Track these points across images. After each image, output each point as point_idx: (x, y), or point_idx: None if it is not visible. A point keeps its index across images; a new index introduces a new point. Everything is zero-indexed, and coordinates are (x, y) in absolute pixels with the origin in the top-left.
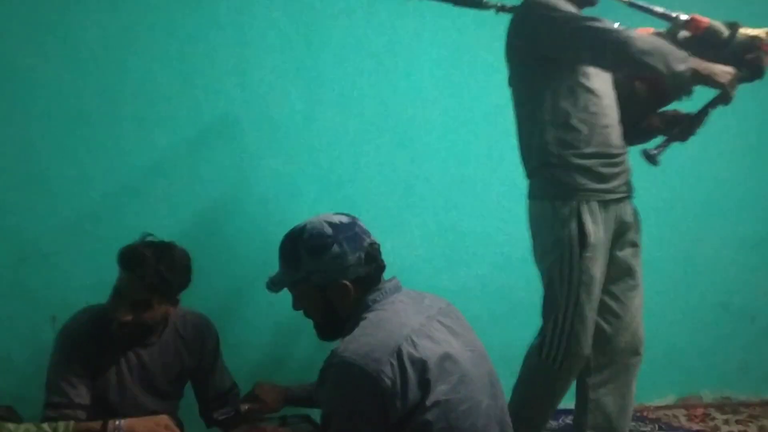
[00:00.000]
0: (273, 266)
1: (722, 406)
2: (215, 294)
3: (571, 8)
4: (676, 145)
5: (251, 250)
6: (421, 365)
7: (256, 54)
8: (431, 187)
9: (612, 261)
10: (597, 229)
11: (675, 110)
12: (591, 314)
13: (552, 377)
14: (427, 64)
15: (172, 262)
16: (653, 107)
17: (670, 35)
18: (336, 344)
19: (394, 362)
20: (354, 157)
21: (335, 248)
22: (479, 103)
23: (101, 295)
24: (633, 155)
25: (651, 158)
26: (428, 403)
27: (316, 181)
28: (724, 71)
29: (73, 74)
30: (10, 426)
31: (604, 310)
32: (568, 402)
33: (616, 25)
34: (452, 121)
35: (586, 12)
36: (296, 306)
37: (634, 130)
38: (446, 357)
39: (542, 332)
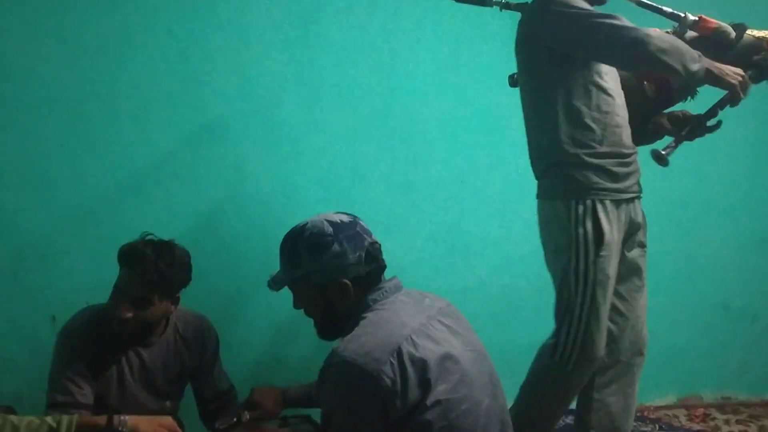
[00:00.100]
0: (273, 266)
1: (723, 406)
2: (215, 294)
3: (586, 5)
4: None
5: (251, 250)
6: (421, 365)
7: (256, 54)
8: (431, 187)
9: (621, 261)
10: (611, 228)
11: (683, 111)
12: (605, 315)
13: (564, 379)
14: (427, 63)
15: (172, 259)
16: (660, 108)
17: (677, 35)
18: (336, 344)
19: (395, 362)
20: (354, 157)
21: (335, 247)
22: (479, 103)
23: (101, 295)
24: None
25: (660, 159)
26: (428, 402)
27: (316, 181)
28: (735, 72)
29: (73, 74)
30: (14, 418)
31: (611, 310)
32: None
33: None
34: (452, 121)
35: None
36: (296, 305)
37: (641, 131)
38: (447, 357)
39: (556, 333)
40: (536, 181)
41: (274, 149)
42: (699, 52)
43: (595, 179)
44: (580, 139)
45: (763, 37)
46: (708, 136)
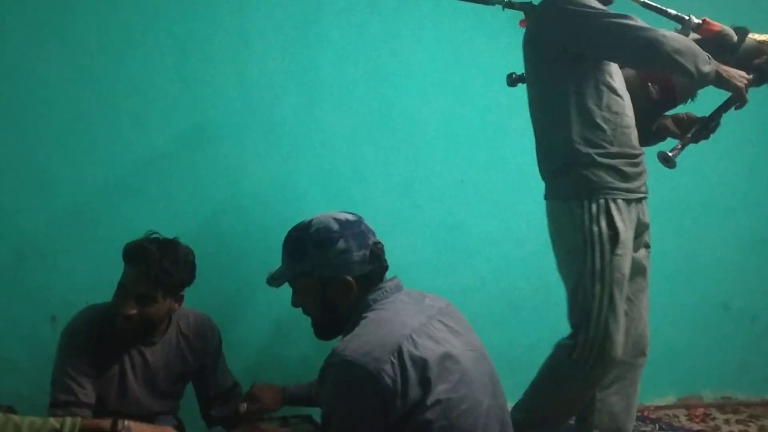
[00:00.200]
0: (273, 266)
1: (723, 406)
2: (215, 294)
3: (598, 4)
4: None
5: (251, 250)
6: (421, 364)
7: (256, 54)
8: (431, 187)
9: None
10: (625, 227)
11: (687, 113)
12: (623, 314)
13: (582, 379)
14: (428, 63)
15: (176, 256)
16: (663, 110)
17: None
18: (336, 343)
19: (395, 361)
20: (354, 157)
21: (341, 243)
22: (479, 103)
23: (101, 295)
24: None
25: (668, 160)
26: (429, 402)
27: (316, 181)
28: (741, 75)
29: (73, 74)
30: (16, 418)
31: None
32: None
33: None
34: (452, 121)
35: None
36: (295, 302)
37: (645, 132)
38: (447, 356)
39: (573, 334)
40: (542, 182)
41: (274, 149)
42: (709, 54)
43: (608, 179)
44: (591, 139)
45: (764, 41)
46: None
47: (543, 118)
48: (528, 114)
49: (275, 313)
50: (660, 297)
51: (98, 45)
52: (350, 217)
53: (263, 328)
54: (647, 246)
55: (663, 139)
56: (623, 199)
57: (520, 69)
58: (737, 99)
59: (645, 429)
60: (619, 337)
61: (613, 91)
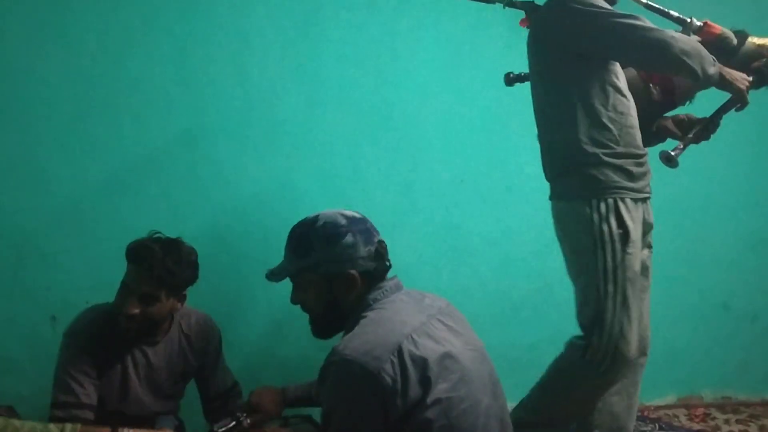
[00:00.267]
0: (273, 266)
1: (723, 405)
2: (215, 294)
3: (605, 4)
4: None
5: (251, 250)
6: (421, 363)
7: (256, 54)
8: (431, 187)
9: None
10: (635, 226)
11: (688, 114)
12: (637, 313)
13: (596, 379)
14: (428, 63)
15: (179, 256)
16: (663, 111)
17: None
18: (335, 342)
19: (395, 360)
20: (354, 157)
21: (349, 237)
22: (479, 103)
23: (101, 295)
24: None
25: (670, 160)
26: (429, 401)
27: (316, 181)
28: (743, 77)
29: (73, 74)
30: (16, 422)
31: None
32: None
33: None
34: (452, 121)
35: None
36: (296, 298)
37: (645, 133)
38: (447, 356)
39: (587, 335)
40: (542, 182)
41: (274, 149)
42: (714, 57)
43: (616, 178)
44: (598, 139)
45: (763, 44)
46: None
47: (549, 118)
48: (528, 114)
49: (275, 313)
50: (660, 297)
51: (98, 45)
52: (356, 214)
53: (263, 328)
54: (650, 246)
55: (663, 140)
56: (631, 199)
57: (519, 69)
58: (738, 101)
59: (645, 429)
60: (633, 337)
61: (619, 91)
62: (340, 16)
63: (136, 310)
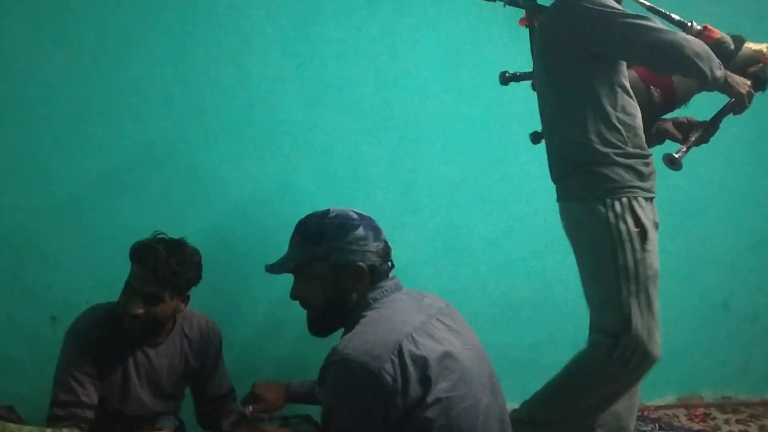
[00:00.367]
0: None
1: (723, 405)
2: (214, 293)
3: (616, 4)
4: (677, 146)
5: (251, 250)
6: (422, 362)
7: (256, 54)
8: (431, 187)
9: None
10: (650, 223)
11: (688, 117)
12: (658, 310)
13: (621, 377)
14: (428, 63)
15: (183, 256)
16: (662, 113)
17: None
18: (334, 342)
19: (395, 359)
20: (354, 157)
21: (361, 230)
22: (479, 103)
23: (101, 295)
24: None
25: (674, 162)
26: (429, 400)
27: (316, 181)
28: (744, 82)
29: (73, 74)
30: (13, 427)
31: None
32: None
33: None
34: (452, 120)
35: None
36: (298, 291)
37: (646, 135)
38: (447, 355)
39: (615, 334)
40: (543, 182)
41: (274, 149)
42: (719, 60)
43: (628, 177)
44: (609, 139)
45: (759, 50)
46: None
47: (558, 119)
48: (528, 114)
49: (275, 312)
50: (661, 296)
51: (98, 45)
52: (364, 213)
53: (263, 327)
54: None
55: (662, 142)
56: (643, 198)
57: (520, 68)
58: (738, 104)
59: (645, 429)
60: (658, 334)
61: (627, 92)
62: (340, 16)
63: (140, 311)
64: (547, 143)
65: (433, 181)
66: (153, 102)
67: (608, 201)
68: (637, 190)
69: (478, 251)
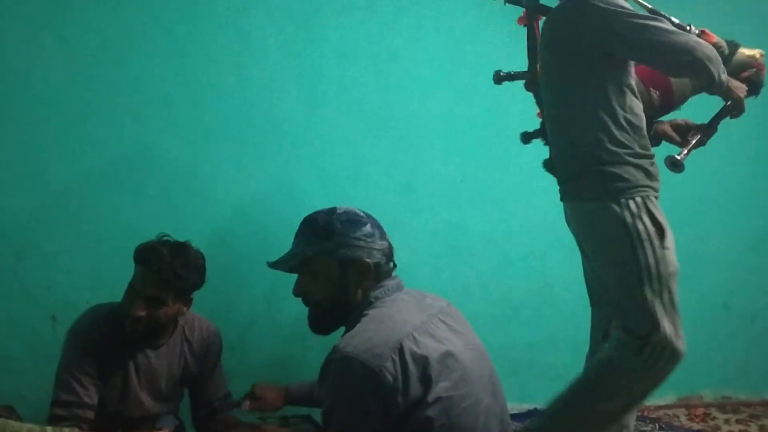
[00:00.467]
0: None
1: (723, 405)
2: (214, 294)
3: (627, 4)
4: (673, 148)
5: (251, 250)
6: (422, 362)
7: (256, 54)
8: (431, 187)
9: None
10: (666, 222)
11: (686, 119)
12: (678, 308)
13: (650, 376)
14: (428, 63)
15: (187, 259)
16: (659, 115)
17: None
18: (335, 341)
19: (396, 358)
20: (354, 157)
21: (368, 227)
22: (479, 102)
23: (101, 295)
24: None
25: (676, 165)
26: (429, 399)
27: (316, 181)
28: (741, 86)
29: (73, 74)
30: (14, 424)
31: None
32: None
33: None
34: (452, 120)
35: None
36: (302, 287)
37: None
38: (448, 354)
39: (645, 334)
40: (543, 182)
41: (274, 149)
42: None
43: (640, 176)
44: (619, 139)
45: (752, 55)
46: None
47: (565, 118)
48: (528, 113)
49: (275, 312)
50: None
51: (98, 45)
52: (369, 214)
53: (263, 328)
54: None
55: (658, 143)
56: (654, 197)
57: (520, 68)
58: (735, 108)
59: (645, 429)
60: (683, 331)
61: (633, 92)
62: (340, 16)
63: (143, 313)
64: (552, 144)
65: (433, 181)
66: (153, 102)
67: (623, 201)
68: (648, 189)
69: (478, 251)
